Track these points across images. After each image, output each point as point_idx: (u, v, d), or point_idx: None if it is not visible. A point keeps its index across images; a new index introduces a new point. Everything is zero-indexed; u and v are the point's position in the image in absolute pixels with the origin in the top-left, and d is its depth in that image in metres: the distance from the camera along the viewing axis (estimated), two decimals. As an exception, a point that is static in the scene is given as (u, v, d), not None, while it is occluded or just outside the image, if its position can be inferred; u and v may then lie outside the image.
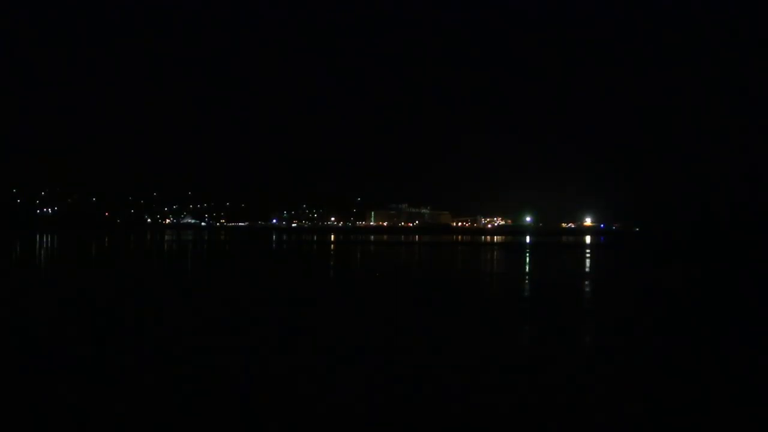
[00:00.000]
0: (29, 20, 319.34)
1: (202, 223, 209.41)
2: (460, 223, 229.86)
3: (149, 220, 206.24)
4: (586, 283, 25.15)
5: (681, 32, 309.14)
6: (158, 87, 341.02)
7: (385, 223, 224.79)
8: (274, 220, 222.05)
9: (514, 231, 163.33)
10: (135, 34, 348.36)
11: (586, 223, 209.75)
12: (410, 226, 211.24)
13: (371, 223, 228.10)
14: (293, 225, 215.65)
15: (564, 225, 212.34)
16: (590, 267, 34.78)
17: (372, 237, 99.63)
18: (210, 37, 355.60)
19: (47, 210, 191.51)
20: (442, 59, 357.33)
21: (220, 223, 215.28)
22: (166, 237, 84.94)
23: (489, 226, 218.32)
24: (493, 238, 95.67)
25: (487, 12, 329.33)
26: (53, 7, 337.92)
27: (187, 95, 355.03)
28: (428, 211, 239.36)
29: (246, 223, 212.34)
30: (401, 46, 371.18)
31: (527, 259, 41.47)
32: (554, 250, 55.08)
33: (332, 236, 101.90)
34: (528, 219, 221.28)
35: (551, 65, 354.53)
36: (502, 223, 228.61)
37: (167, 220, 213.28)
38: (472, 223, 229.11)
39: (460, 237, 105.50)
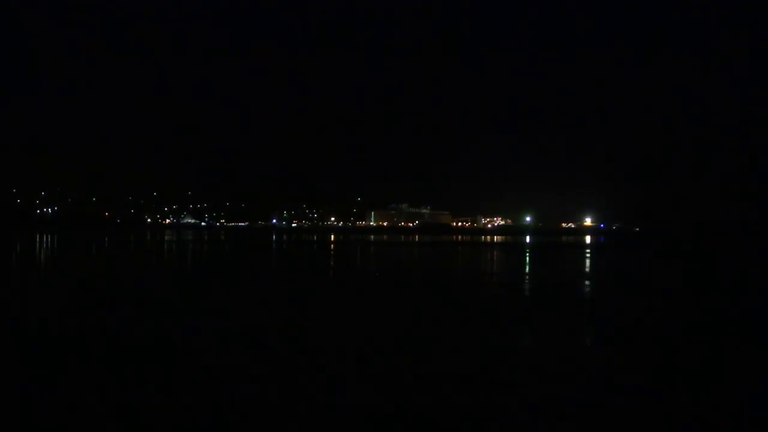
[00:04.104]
0: (29, 20, 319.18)
1: (202, 223, 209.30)
2: (460, 223, 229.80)
3: (149, 220, 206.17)
4: (587, 282, 25.08)
5: (681, 32, 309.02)
6: (158, 87, 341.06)
7: (385, 223, 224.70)
8: (274, 220, 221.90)
9: (514, 231, 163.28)
10: (134, 34, 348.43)
11: (586, 223, 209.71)
12: (410, 226, 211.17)
13: (371, 223, 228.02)
14: (293, 225, 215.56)
15: (564, 225, 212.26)
16: (590, 266, 34.74)
17: (372, 237, 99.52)
18: (210, 37, 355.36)
19: (47, 210, 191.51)
20: (442, 59, 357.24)
21: (220, 223, 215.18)
22: (166, 237, 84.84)
23: (489, 226, 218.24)
24: (493, 238, 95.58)
25: (487, 12, 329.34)
26: (53, 7, 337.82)
27: (187, 95, 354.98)
28: (428, 211, 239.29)
29: (246, 223, 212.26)
30: (402, 46, 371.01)
31: (527, 259, 41.42)
32: (555, 250, 55.02)
33: (332, 236, 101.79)
34: (528, 219, 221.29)
35: (551, 65, 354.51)
36: (502, 223, 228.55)
37: (167, 220, 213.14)
38: (472, 223, 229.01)
39: (460, 237, 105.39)
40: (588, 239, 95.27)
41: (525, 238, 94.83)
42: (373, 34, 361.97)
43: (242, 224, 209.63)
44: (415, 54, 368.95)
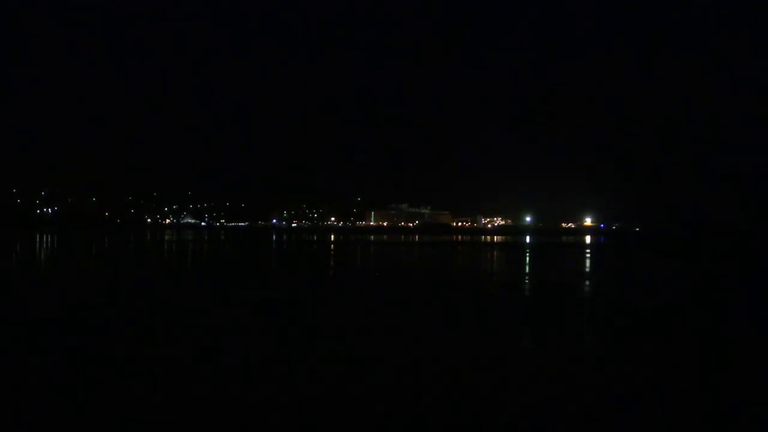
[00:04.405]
0: (29, 20, 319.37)
1: (202, 223, 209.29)
2: (460, 223, 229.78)
3: (149, 220, 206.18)
4: (587, 282, 25.10)
5: (681, 32, 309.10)
6: (158, 86, 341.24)
7: (385, 223, 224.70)
8: (274, 220, 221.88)
9: (514, 231, 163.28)
10: (134, 33, 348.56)
11: (586, 223, 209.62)
12: (410, 226, 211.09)
13: (371, 223, 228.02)
14: (293, 225, 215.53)
15: (564, 225, 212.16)
16: (590, 266, 34.75)
17: (372, 237, 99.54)
18: (210, 37, 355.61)
19: (47, 210, 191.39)
20: (442, 59, 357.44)
21: (220, 223, 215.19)
22: (166, 237, 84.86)
23: (489, 226, 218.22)
24: (493, 238, 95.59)
25: (487, 12, 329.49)
26: (53, 7, 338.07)
27: (188, 95, 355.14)
28: (428, 211, 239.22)
29: (246, 223, 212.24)
30: (401, 45, 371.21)
31: (527, 259, 41.43)
32: (555, 250, 55.01)
33: (332, 236, 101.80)
34: (528, 219, 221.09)
35: (551, 65, 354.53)
36: (502, 223, 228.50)
37: (167, 220, 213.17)
38: (472, 223, 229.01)
39: (460, 237, 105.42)
40: (588, 239, 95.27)
41: (525, 238, 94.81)
42: (373, 34, 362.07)
43: (242, 224, 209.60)
44: (415, 54, 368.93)
